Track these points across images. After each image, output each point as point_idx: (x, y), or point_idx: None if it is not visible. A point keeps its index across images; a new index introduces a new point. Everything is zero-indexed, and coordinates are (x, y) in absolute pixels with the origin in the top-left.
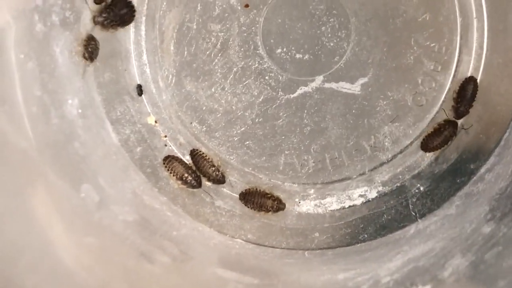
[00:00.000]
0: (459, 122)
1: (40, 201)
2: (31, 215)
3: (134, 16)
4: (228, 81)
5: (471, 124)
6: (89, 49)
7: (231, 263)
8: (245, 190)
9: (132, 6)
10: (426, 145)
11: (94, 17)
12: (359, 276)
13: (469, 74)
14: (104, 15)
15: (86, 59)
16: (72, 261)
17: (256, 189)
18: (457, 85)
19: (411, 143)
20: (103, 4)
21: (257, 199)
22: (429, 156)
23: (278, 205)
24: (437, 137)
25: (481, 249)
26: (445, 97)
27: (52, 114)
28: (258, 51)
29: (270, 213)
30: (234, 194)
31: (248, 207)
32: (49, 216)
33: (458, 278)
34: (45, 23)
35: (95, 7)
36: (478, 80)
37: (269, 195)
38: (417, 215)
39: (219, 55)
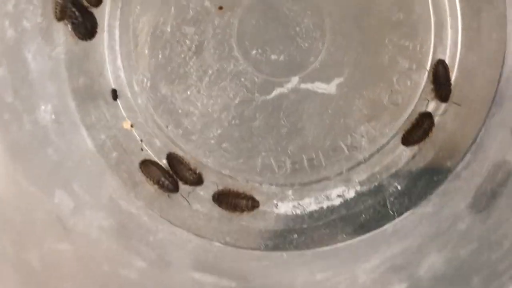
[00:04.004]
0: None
1: (13, 207)
2: (3, 222)
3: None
4: (203, 83)
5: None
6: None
7: (209, 267)
8: (218, 191)
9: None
10: (407, 140)
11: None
12: (337, 276)
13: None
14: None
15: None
16: (46, 268)
17: (229, 189)
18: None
19: (388, 142)
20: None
21: (230, 200)
22: (406, 154)
23: (252, 204)
24: (417, 132)
25: (457, 246)
26: (420, 95)
27: (24, 120)
28: (233, 53)
29: (245, 212)
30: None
31: (222, 208)
32: (22, 223)
33: (434, 275)
34: (16, 29)
35: None
36: (453, 78)
37: (243, 195)
38: (395, 213)
39: (194, 57)
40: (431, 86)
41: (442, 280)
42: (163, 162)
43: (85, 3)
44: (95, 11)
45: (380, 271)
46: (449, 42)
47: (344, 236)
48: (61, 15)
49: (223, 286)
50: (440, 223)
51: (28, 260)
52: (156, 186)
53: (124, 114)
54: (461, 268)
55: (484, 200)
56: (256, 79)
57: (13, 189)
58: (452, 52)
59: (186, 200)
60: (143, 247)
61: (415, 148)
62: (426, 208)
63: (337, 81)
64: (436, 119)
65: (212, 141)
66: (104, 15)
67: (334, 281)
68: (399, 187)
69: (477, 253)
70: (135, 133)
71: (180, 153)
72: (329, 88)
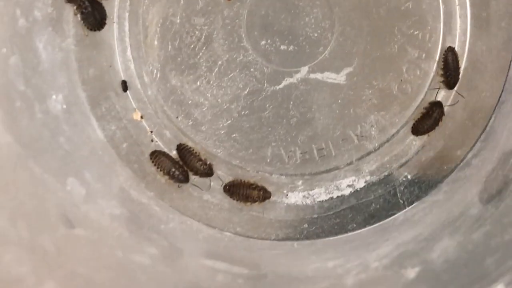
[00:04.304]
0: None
1: (26, 193)
2: (17, 207)
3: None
4: (213, 74)
5: (463, 97)
6: None
7: (221, 255)
8: (229, 182)
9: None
10: (417, 129)
11: None
12: (348, 263)
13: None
14: None
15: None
16: (60, 252)
17: (241, 180)
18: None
19: (398, 131)
20: None
21: (242, 191)
22: (416, 144)
23: (264, 195)
24: (427, 121)
25: (469, 230)
26: (430, 85)
27: (36, 109)
28: (242, 44)
29: (256, 203)
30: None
31: (234, 199)
32: (35, 208)
33: (447, 259)
34: (27, 18)
35: None
36: (462, 66)
37: (254, 186)
38: (405, 203)
39: (204, 48)
40: (441, 73)
41: (455, 263)
42: (173, 153)
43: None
44: (105, 2)
45: (392, 257)
46: (458, 31)
47: (354, 225)
48: None
49: (235, 273)
50: (451, 210)
51: (42, 244)
52: (166, 177)
53: (134, 105)
54: (474, 251)
55: (495, 187)
56: (265, 70)
57: (26, 176)
58: (461, 41)
59: (198, 187)
60: (155, 235)
61: (424, 137)
62: (436, 196)
63: (346, 71)
64: (445, 108)
65: (222, 132)
66: (114, 6)
67: (346, 268)
68: (409, 177)
69: (489, 236)
70: (145, 124)
71: (190, 144)
72: (339, 78)
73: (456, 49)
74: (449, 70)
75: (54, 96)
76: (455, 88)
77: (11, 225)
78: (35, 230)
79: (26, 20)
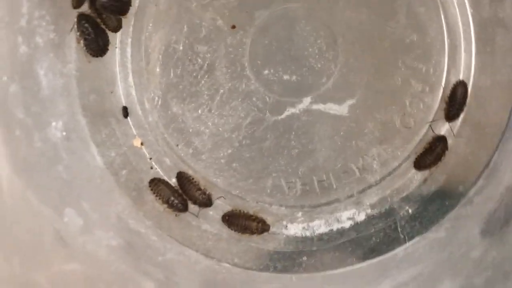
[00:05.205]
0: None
1: (22, 226)
2: (12, 243)
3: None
4: (214, 102)
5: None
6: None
7: None
8: (228, 212)
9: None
10: (419, 164)
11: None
12: None
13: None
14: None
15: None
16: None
17: (240, 211)
18: (448, 90)
19: (400, 165)
20: None
21: (241, 222)
22: (418, 178)
23: (262, 227)
24: (429, 156)
25: (470, 274)
26: (433, 119)
27: (35, 137)
28: (245, 73)
29: (255, 235)
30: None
31: (232, 230)
32: (31, 242)
33: None
34: (29, 44)
35: None
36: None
37: (253, 217)
38: (406, 238)
39: (206, 76)
40: (445, 100)
41: None
42: (173, 181)
43: (103, 27)
44: None
45: None
46: (462, 65)
47: (354, 259)
48: (78, 4)
49: None
50: (452, 249)
51: (37, 281)
52: (165, 206)
53: (134, 132)
54: None
55: (498, 226)
56: (267, 99)
57: (23, 207)
58: (466, 76)
59: (196, 215)
60: (152, 268)
61: (426, 171)
62: (438, 233)
63: (349, 102)
64: (449, 142)
65: (222, 161)
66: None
67: None
68: (410, 211)
69: (492, 282)
70: (145, 151)
71: (190, 172)
72: (341, 109)
73: None
74: (454, 101)
75: (54, 123)
76: (458, 122)
77: (6, 261)
78: (30, 266)
79: (28, 47)
